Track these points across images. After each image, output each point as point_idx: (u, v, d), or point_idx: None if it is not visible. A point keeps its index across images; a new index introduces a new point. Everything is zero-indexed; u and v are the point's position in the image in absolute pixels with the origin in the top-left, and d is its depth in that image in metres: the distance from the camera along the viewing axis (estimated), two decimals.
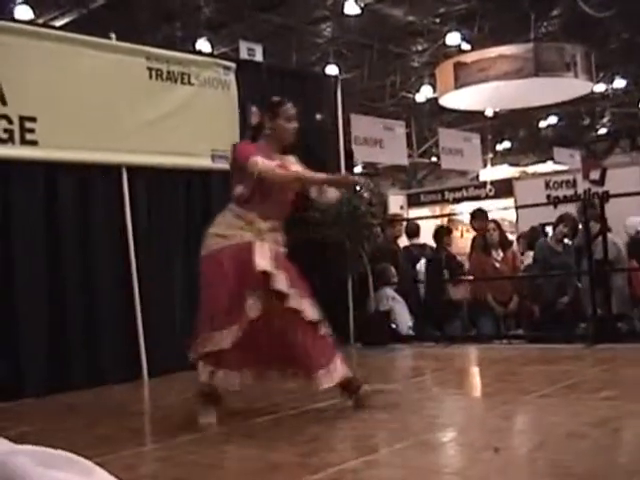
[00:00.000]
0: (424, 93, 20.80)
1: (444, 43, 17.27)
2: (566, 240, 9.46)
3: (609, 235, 8.46)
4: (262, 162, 4.61)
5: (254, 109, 5.09)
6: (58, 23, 13.43)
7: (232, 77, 8.00)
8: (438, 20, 17.10)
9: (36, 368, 6.43)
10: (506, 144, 28.46)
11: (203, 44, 14.79)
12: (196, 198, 7.74)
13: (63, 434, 4.80)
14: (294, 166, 4.98)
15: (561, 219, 9.40)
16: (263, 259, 4.57)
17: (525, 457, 3.65)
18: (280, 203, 4.88)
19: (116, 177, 7.10)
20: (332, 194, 5.03)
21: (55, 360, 6.58)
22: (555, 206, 11.39)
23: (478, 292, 9.36)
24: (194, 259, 7.44)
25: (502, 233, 9.44)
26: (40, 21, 12.39)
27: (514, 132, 27.98)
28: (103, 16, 13.31)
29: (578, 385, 5.40)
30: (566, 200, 13.92)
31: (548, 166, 20.38)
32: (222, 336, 4.50)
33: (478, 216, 9.77)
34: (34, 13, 12.79)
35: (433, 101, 19.76)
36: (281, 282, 4.58)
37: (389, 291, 9.13)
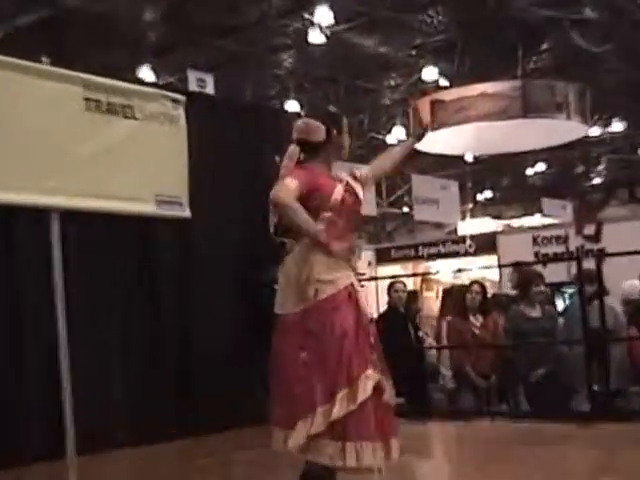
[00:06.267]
0: (396, 134, 20.93)
1: (420, 78, 17.44)
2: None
3: (606, 299, 8.47)
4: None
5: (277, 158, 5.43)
6: None
7: (182, 112, 7.94)
8: (413, 52, 17.25)
9: None
10: (488, 194, 28.66)
11: (146, 72, 14.73)
12: (136, 249, 7.72)
13: None
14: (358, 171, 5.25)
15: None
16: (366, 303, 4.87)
17: None
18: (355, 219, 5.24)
19: (45, 223, 7.01)
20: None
21: None
22: (544, 265, 11.44)
23: (456, 362, 9.35)
24: (133, 317, 7.51)
25: (485, 296, 9.46)
26: None
27: (497, 180, 28.20)
28: (33, 37, 13.24)
29: (574, 471, 5.40)
30: (557, 258, 14.06)
31: (536, 219, 20.58)
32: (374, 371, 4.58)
33: None
34: None
35: None
36: None
37: None
